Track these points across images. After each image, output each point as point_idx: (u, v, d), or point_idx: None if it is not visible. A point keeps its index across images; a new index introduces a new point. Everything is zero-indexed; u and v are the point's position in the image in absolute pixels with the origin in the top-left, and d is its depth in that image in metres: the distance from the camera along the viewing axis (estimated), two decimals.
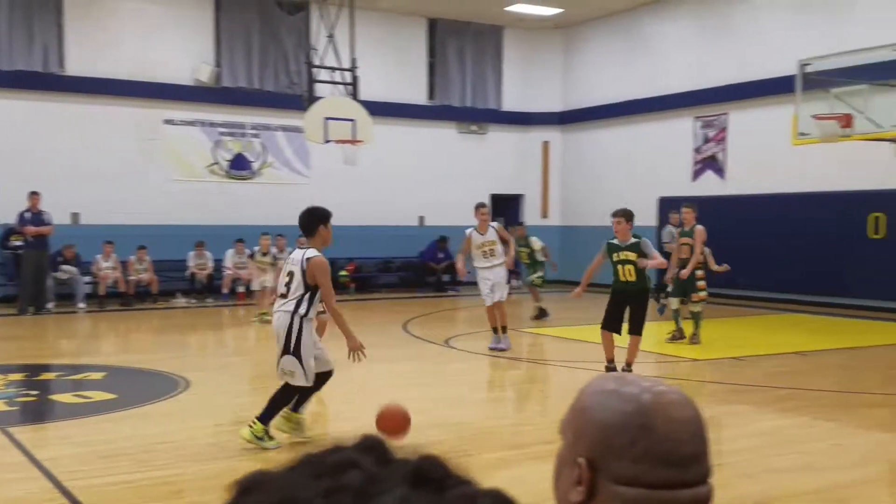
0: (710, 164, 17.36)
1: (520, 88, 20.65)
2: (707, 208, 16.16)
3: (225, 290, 16.26)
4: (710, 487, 1.14)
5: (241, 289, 16.40)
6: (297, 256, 6.08)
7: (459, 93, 19.91)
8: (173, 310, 15.24)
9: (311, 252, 6.00)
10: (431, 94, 19.80)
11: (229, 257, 16.39)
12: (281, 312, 6.03)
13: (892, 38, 12.07)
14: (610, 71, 19.43)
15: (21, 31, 15.54)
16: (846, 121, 12.22)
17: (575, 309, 12.79)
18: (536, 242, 13.97)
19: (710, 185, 17.12)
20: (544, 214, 20.83)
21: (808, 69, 12.84)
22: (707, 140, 17.40)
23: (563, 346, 11.37)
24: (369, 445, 0.73)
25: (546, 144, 20.96)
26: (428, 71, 19.76)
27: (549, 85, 20.79)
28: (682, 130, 17.76)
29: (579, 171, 20.36)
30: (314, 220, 6.05)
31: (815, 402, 7.70)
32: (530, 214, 20.69)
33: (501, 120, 20.43)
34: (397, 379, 9.18)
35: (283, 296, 6.07)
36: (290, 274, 6.05)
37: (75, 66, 16.11)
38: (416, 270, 18.86)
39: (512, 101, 20.59)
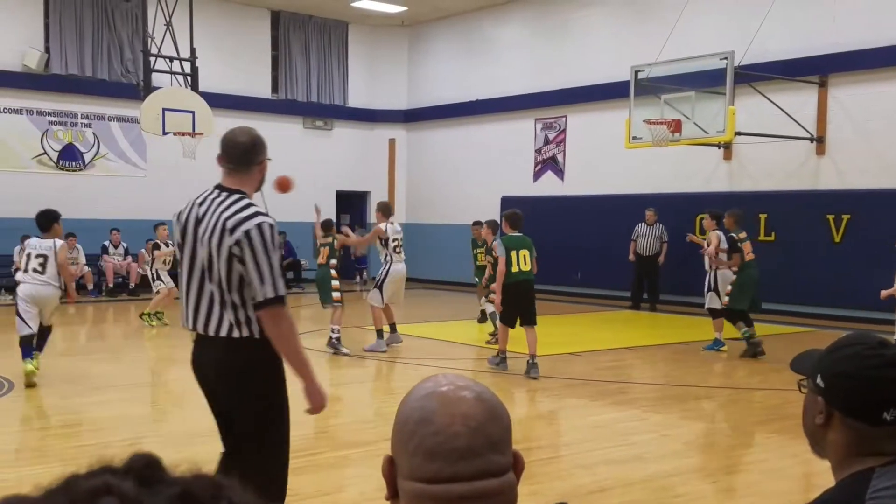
0: (550, 165, 18.04)
1: (366, 85, 20.67)
2: (547, 208, 16.86)
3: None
4: (500, 482, 1.13)
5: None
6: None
7: (304, 87, 19.69)
8: None
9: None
10: (275, 88, 19.47)
11: None
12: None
13: (718, 48, 12.96)
14: (454, 71, 19.79)
15: None
16: (675, 126, 12.98)
17: (421, 306, 12.98)
18: None
19: (550, 186, 17.80)
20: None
21: (641, 75, 13.55)
22: (547, 142, 18.06)
23: (410, 344, 11.50)
24: (134, 466, 0.67)
25: (392, 142, 21.09)
26: (272, 64, 19.41)
27: (395, 82, 20.93)
28: (523, 132, 18.34)
29: (424, 170, 20.62)
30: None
31: (644, 395, 8.18)
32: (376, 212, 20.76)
33: (347, 116, 20.38)
34: None
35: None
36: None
37: None
38: None
39: (358, 97, 20.57)
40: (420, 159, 20.81)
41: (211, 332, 3.27)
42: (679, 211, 15.10)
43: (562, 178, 17.81)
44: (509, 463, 1.16)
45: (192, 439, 6.28)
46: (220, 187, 3.40)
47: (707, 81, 12.79)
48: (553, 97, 17.56)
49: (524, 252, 8.80)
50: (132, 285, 16.19)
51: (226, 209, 3.26)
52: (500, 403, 1.18)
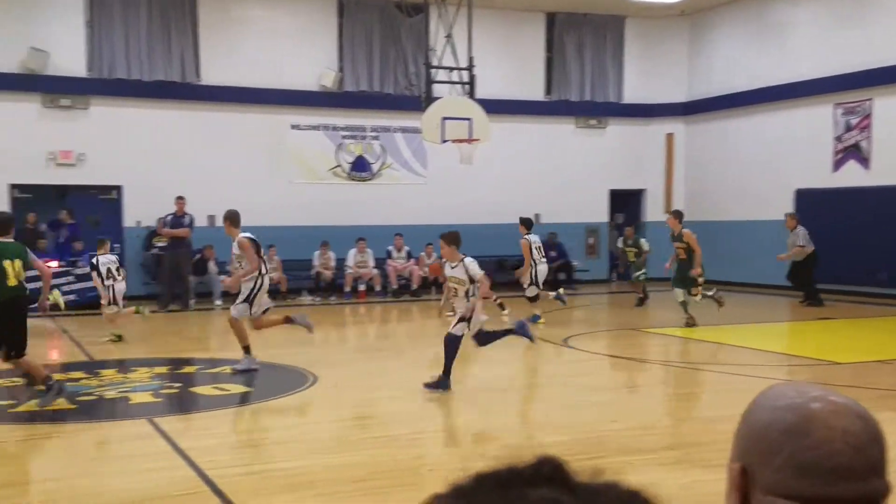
0: (852, 153, 16.37)
1: (641, 80, 20.14)
2: (848, 200, 15.36)
3: (347, 289, 16.64)
4: None
5: (362, 287, 16.75)
6: None
7: (578, 87, 19.62)
8: (300, 307, 15.65)
9: None
10: (549, 90, 19.60)
11: (351, 256, 16.77)
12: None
13: None
14: (739, 58, 18.66)
15: (160, 43, 16.35)
16: None
17: (701, 309, 12.39)
18: (645, 244, 15.15)
19: (852, 176, 16.17)
20: (667, 210, 20.27)
21: None
22: (849, 128, 16.42)
23: (692, 348, 10.99)
24: (554, 476, 0.69)
25: (670, 137, 20.37)
26: (545, 66, 19.57)
27: (673, 75, 20.17)
28: (819, 118, 16.83)
29: (706, 164, 19.66)
30: None
31: None
32: (652, 210, 20.17)
33: (622, 113, 20.00)
34: (514, 380, 9.10)
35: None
36: None
37: (210, 75, 16.80)
38: None
39: (633, 93, 20.11)
40: (701, 153, 19.89)
41: None
42: None
43: (867, 167, 16.12)
44: (888, 490, 1.05)
45: (468, 436, 6.42)
46: None
47: None
48: (855, 79, 15.93)
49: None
50: (414, 286, 17.07)
51: None
52: (877, 422, 1.09)
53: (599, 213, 20.05)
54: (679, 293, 12.07)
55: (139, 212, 16.22)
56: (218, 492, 5.00)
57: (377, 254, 17.00)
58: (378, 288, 16.92)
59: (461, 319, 7.74)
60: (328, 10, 17.70)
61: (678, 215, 12.35)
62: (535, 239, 12.66)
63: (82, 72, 15.99)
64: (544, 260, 12.76)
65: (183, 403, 7.83)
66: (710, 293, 12.33)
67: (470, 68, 14.78)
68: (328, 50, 17.74)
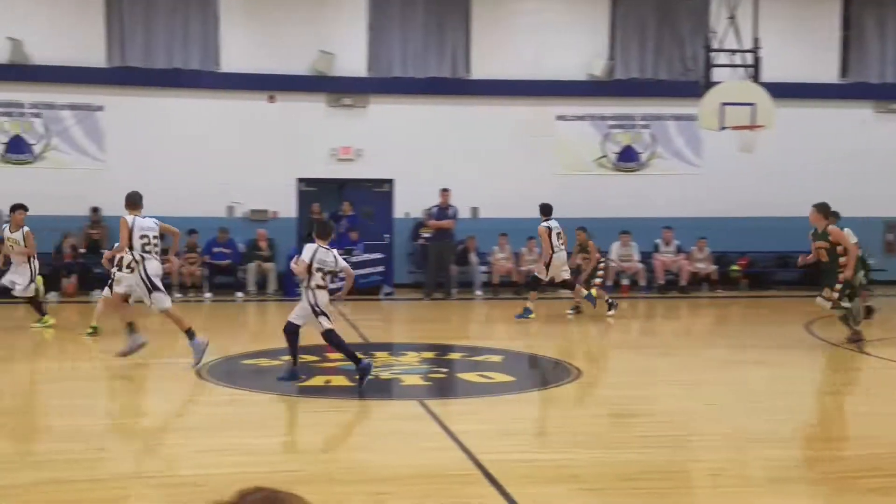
0: None
1: None
2: None
3: (609, 282, 16.24)
4: None
5: (625, 281, 16.27)
6: None
7: (878, 68, 17.68)
8: (558, 301, 15.51)
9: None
10: (844, 72, 17.84)
11: (615, 249, 16.34)
12: None
13: None
14: None
15: (434, 41, 16.92)
16: None
17: None
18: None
19: None
20: None
21: None
22: None
23: None
24: None
25: None
26: (841, 46, 17.81)
27: None
28: None
29: None
30: None
31: None
32: None
33: None
34: (798, 385, 8.30)
35: None
36: None
37: (479, 69, 17.11)
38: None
39: None
40: None
41: None
42: None
43: None
44: None
45: (748, 442, 5.88)
46: None
47: None
48: None
49: None
50: (683, 283, 16.30)
51: None
52: None
53: None
54: (825, 303, 9.99)
55: (408, 204, 16.92)
56: (489, 476, 4.97)
57: (642, 247, 16.47)
58: (643, 283, 16.36)
59: (318, 313, 7.60)
60: None
61: (823, 209, 10.08)
62: (555, 225, 12.25)
63: (363, 72, 16.97)
64: (563, 248, 12.22)
65: (450, 388, 7.99)
66: (848, 305, 9.96)
67: (755, 50, 13.88)
68: (598, 38, 17.37)
